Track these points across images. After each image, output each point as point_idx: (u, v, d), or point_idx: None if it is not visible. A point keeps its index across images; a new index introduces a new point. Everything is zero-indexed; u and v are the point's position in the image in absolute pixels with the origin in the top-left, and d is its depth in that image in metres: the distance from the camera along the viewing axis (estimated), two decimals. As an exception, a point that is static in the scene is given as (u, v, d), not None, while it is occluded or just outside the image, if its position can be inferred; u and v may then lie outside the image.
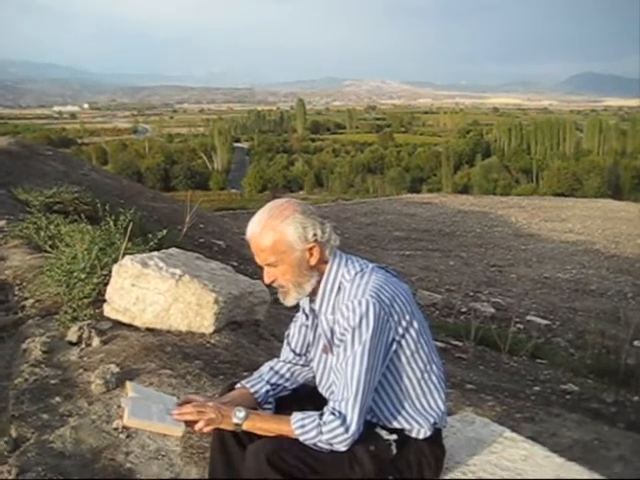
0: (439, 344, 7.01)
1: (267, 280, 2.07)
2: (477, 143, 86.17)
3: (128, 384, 2.19)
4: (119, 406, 2.14)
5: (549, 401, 5.30)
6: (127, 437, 2.88)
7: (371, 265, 2.08)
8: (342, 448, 1.92)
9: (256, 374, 2.29)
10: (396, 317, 1.97)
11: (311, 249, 2.02)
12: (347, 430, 1.90)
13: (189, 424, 2.03)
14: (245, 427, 2.00)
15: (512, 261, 17.49)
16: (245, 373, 3.33)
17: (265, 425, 2.00)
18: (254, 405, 2.17)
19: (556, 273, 15.82)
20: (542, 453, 2.26)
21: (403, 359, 2.03)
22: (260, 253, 2.02)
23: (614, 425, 4.64)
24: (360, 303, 1.92)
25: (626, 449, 3.84)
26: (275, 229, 1.98)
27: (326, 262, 2.06)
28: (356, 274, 2.02)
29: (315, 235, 2.01)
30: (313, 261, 2.03)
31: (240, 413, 2.00)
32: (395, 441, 2.03)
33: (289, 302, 2.09)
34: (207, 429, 2.03)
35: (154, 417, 2.02)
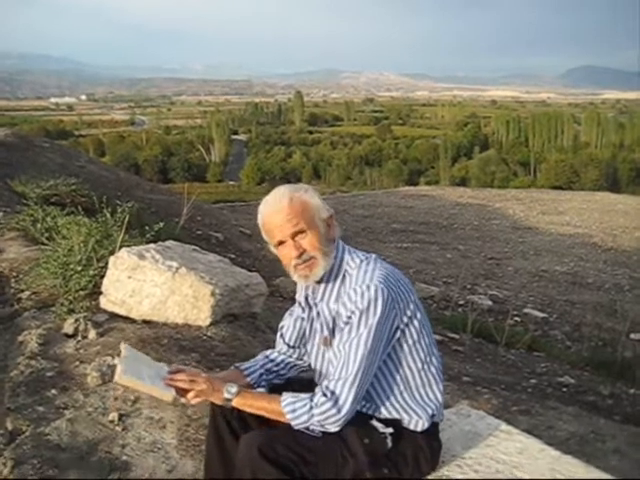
0: (436, 337, 6.97)
1: (295, 253, 2.01)
2: (475, 136, 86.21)
3: (123, 345, 2.19)
4: (113, 368, 2.13)
5: (545, 394, 5.31)
6: (123, 430, 2.88)
7: (374, 255, 2.11)
8: (333, 429, 1.92)
9: (251, 360, 2.30)
10: (402, 305, 1.99)
11: (330, 218, 2.07)
12: (339, 411, 1.90)
13: (180, 392, 2.03)
14: (235, 403, 2.00)
15: (509, 254, 17.48)
16: (242, 366, 3.32)
17: (256, 402, 2.00)
18: (246, 386, 2.16)
19: (553, 266, 15.81)
20: (538, 446, 2.26)
21: (405, 348, 2.03)
22: (290, 221, 1.99)
23: (610, 418, 4.64)
24: (369, 287, 1.93)
25: (622, 442, 3.84)
26: (301, 197, 2.03)
27: (334, 242, 2.09)
28: (361, 262, 2.05)
29: (329, 209, 2.09)
30: (332, 233, 2.07)
31: (232, 388, 2.00)
32: (391, 434, 2.02)
33: (315, 276, 2.04)
34: (196, 400, 2.04)
35: (146, 378, 2.02)
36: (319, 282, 2.08)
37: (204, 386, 2.00)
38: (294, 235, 2.01)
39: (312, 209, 2.03)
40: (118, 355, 2.22)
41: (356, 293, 1.94)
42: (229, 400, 1.99)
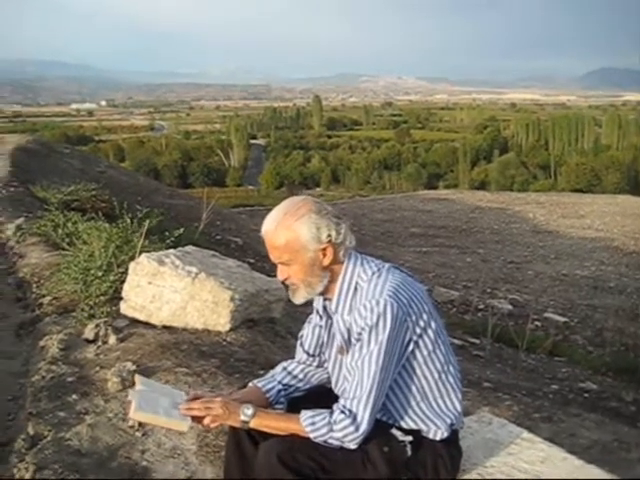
0: (456, 341, 6.98)
1: (280, 277, 2.08)
2: (494, 139, 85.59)
3: (137, 377, 2.19)
4: (128, 399, 2.14)
5: (567, 400, 5.26)
6: (143, 435, 2.89)
7: (387, 265, 2.06)
8: (352, 446, 1.92)
9: (269, 374, 2.28)
10: (414, 317, 1.96)
11: (324, 250, 2.00)
12: (357, 429, 1.89)
13: (196, 420, 2.02)
14: (252, 424, 1.99)
15: (530, 258, 17.36)
16: (261, 371, 3.32)
17: (273, 423, 1.99)
18: (265, 404, 2.15)
19: (574, 270, 15.68)
20: (560, 455, 2.22)
21: (420, 359, 2.01)
22: (274, 251, 2.02)
23: (634, 425, 4.58)
24: (378, 303, 1.91)
25: (646, 450, 3.79)
26: (289, 228, 1.97)
27: (340, 263, 2.04)
28: (373, 274, 2.01)
29: (329, 236, 1.99)
30: (326, 262, 2.01)
31: (248, 410, 1.98)
32: (410, 442, 2.01)
33: (297, 300, 2.09)
34: (214, 425, 2.03)
35: (161, 411, 2.01)
36: (324, 294, 2.08)
37: (220, 411, 1.99)
38: (278, 262, 2.04)
39: (297, 242, 1.97)
40: (132, 387, 2.22)
41: (366, 309, 1.92)
42: (246, 422, 1.99)
